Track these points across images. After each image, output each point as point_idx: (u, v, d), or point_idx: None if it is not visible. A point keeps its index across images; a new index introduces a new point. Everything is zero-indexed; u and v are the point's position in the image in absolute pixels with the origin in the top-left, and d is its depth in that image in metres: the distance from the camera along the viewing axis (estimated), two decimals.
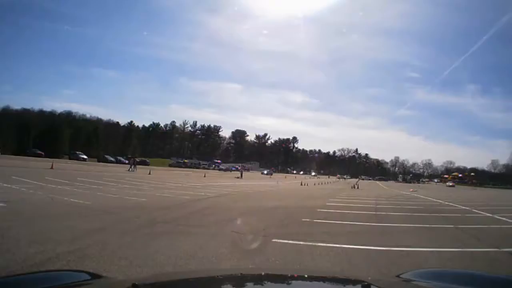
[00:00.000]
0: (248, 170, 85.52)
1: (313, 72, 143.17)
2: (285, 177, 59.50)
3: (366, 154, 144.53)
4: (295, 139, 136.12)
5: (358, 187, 33.27)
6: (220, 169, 69.61)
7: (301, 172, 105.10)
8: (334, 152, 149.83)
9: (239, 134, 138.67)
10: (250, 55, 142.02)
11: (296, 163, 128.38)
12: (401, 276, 1.82)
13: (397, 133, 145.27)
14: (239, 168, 57.61)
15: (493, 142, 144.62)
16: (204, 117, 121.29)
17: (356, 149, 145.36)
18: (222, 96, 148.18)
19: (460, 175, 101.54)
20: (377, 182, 74.71)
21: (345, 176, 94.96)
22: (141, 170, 39.42)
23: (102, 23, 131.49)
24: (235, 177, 42.98)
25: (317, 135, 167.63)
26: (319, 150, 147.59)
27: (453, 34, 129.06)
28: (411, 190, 36.73)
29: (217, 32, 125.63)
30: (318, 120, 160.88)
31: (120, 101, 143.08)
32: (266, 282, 1.69)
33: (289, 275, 1.95)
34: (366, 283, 1.60)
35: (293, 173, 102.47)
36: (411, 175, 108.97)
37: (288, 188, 28.37)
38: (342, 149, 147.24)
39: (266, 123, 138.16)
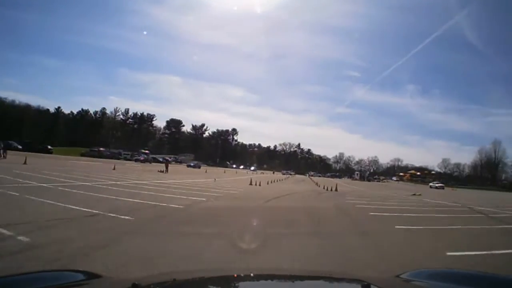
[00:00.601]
0: (180, 162, 75.32)
1: (254, 67, 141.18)
2: (224, 172, 50.82)
3: (309, 150, 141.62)
4: (234, 131, 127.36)
5: (336, 189, 25.73)
6: (142, 161, 57.88)
7: (241, 167, 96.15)
8: (275, 147, 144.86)
9: (174, 124, 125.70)
10: (191, 47, 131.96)
11: (235, 157, 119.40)
12: (401, 276, 1.80)
13: (336, 130, 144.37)
14: (170, 159, 47.15)
15: (432, 142, 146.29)
16: (143, 110, 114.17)
17: (299, 144, 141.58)
18: (161, 88, 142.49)
19: (418, 173, 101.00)
20: (331, 179, 67.34)
21: (291, 172, 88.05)
22: (17, 158, 28.44)
23: (44, 9, 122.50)
24: (159, 171, 33.88)
25: (257, 131, 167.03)
26: (259, 145, 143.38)
27: (395, 35, 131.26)
28: (416, 194, 28.72)
29: (159, 23, 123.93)
30: (258, 116, 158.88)
31: (61, 91, 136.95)
32: (266, 282, 1.71)
33: (289, 275, 1.95)
34: (366, 283, 1.57)
35: (232, 168, 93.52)
36: (368, 172, 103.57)
37: (233, 192, 17.17)
38: (284, 144, 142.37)
39: (205, 117, 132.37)
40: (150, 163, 56.20)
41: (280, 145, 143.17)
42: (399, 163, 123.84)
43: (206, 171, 46.22)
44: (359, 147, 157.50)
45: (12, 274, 1.92)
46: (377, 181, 77.61)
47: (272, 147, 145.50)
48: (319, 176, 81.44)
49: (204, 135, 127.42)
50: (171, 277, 1.78)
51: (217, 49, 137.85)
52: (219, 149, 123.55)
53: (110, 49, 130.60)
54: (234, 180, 31.70)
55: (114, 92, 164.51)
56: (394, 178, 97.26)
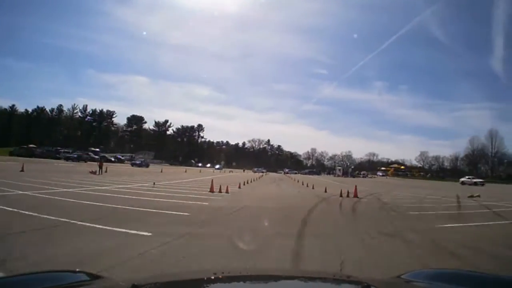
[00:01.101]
0: (130, 161, 66.15)
1: (221, 67, 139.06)
2: (185, 172, 42.73)
3: (279, 146, 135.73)
4: (200, 128, 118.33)
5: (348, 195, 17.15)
6: (76, 159, 48.70)
7: (208, 165, 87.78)
8: (244, 144, 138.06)
9: (135, 121, 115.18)
10: (158, 48, 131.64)
11: (202, 155, 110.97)
12: (401, 276, 1.78)
13: (304, 127, 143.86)
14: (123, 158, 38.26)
15: (401, 137, 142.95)
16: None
17: (268, 140, 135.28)
18: (129, 89, 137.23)
19: (402, 167, 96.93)
20: (310, 176, 61.83)
21: (263, 170, 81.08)
22: None
23: (8, 10, 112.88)
24: (90, 172, 26.30)
25: (225, 129, 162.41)
26: (227, 142, 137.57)
27: (362, 33, 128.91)
28: (473, 196, 20.80)
29: (126, 24, 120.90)
30: (225, 114, 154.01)
31: (29, 93, 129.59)
32: (265, 282, 1.71)
33: (289, 276, 1.95)
34: (366, 284, 1.58)
35: (198, 166, 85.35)
36: (352, 167, 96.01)
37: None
38: (253, 140, 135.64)
39: (173, 116, 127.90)
40: (85, 162, 47.52)
41: (249, 141, 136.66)
42: (374, 157, 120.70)
43: (161, 171, 38.29)
44: (327, 143, 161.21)
45: (11, 275, 2.04)
46: (363, 177, 70.56)
47: (240, 144, 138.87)
48: (295, 174, 74.57)
49: (168, 132, 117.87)
50: (170, 278, 1.84)
51: (184, 49, 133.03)
52: (184, 147, 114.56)
53: (77, 50, 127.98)
54: (189, 182, 23.99)
55: (82, 94, 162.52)
56: (380, 174, 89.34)
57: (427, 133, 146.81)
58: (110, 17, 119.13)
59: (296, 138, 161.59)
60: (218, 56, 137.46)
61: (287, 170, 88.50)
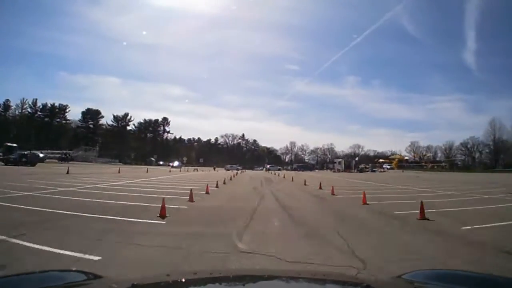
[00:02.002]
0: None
1: (192, 65, 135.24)
2: (118, 172, 30.24)
3: (255, 141, 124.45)
4: (165, 121, 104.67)
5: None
6: None
7: (176, 163, 74.15)
8: (217, 140, 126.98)
9: (90, 116, 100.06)
10: (129, 48, 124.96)
11: (168, 152, 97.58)
12: (402, 276, 1.76)
13: (277, 124, 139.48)
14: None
15: (374, 130, 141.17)
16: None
17: (243, 135, 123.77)
18: (101, 90, 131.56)
19: (406, 158, 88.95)
20: (302, 173, 48.85)
21: (238, 167, 69.70)
22: None
23: None
24: None
25: (198, 128, 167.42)
26: (199, 139, 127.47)
27: (334, 28, 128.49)
28: None
29: (96, 24, 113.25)
30: (198, 113, 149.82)
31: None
32: (266, 282, 1.68)
33: (290, 276, 1.94)
34: (365, 284, 1.58)
35: (159, 165, 72.41)
36: (356, 159, 79.84)
37: None
38: (226, 135, 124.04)
39: (146, 117, 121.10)
40: None
41: (221, 137, 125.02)
42: (359, 150, 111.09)
43: (67, 172, 25.67)
44: (301, 139, 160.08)
45: (11, 274, 1.94)
46: (371, 171, 58.45)
47: (213, 140, 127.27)
48: (278, 170, 62.25)
49: (129, 127, 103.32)
50: (170, 278, 1.84)
51: (155, 49, 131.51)
52: (146, 143, 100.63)
53: (48, 52, 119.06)
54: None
55: (54, 96, 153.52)
56: (388, 166, 75.65)
57: (402, 126, 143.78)
58: (80, 18, 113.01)
59: (270, 135, 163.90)
60: (189, 55, 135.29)
61: (268, 166, 74.38)
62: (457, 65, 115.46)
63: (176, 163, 65.43)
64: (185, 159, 70.08)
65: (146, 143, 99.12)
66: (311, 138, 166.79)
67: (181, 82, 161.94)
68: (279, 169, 63.95)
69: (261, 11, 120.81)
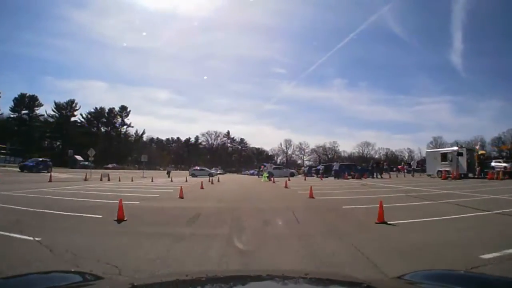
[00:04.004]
0: None
1: (179, 69, 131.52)
2: None
3: (242, 140, 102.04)
4: (123, 110, 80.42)
5: None
6: None
7: (149, 171, 48.92)
8: (197, 139, 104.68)
9: (25, 104, 75.53)
10: (115, 51, 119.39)
11: (127, 152, 74.07)
12: (402, 277, 1.74)
13: (265, 127, 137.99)
14: None
15: (362, 132, 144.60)
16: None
17: (228, 132, 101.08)
18: (88, 94, 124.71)
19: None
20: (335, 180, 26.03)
21: (217, 170, 49.58)
22: None
23: None
24: None
25: (186, 132, 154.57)
26: (178, 139, 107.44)
27: (320, 31, 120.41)
28: None
29: (82, 28, 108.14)
30: (186, 117, 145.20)
31: None
32: (265, 282, 1.68)
33: (289, 276, 1.89)
34: (365, 285, 1.57)
35: (108, 168, 49.64)
36: (413, 161, 50.30)
37: None
38: (207, 133, 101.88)
39: (133, 121, 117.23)
40: None
41: (202, 135, 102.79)
42: (369, 148, 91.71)
43: None
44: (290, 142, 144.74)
45: (11, 276, 1.97)
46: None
47: (193, 139, 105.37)
48: (292, 175, 35.48)
49: (75, 118, 78.80)
50: (170, 278, 1.84)
51: (141, 52, 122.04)
52: (100, 139, 76.38)
53: (34, 57, 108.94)
54: None
55: (42, 101, 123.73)
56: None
57: (389, 128, 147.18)
58: (66, 21, 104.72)
59: (259, 138, 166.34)
60: (176, 59, 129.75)
61: (266, 166, 40.07)
62: (444, 66, 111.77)
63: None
64: (144, 157, 44.53)
65: (98, 139, 74.53)
66: (301, 141, 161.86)
67: (168, 86, 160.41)
68: (291, 175, 36.13)
69: (247, 14, 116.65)
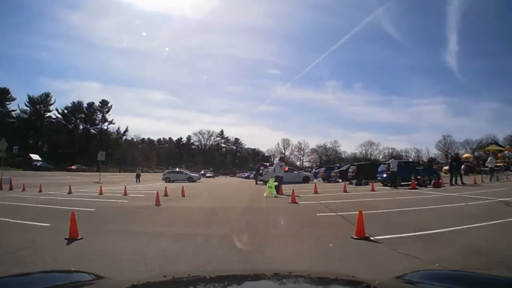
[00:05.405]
0: None
1: (173, 70, 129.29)
2: None
3: (237, 140, 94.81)
4: (104, 105, 72.51)
5: None
6: None
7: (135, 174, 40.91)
8: (189, 139, 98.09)
9: None
10: (109, 52, 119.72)
11: (108, 152, 66.46)
12: (401, 277, 1.73)
13: (259, 129, 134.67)
14: None
15: (354, 134, 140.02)
16: None
17: (222, 131, 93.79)
18: (82, 95, 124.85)
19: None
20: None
21: (208, 172, 48.11)
22: None
23: None
24: None
25: (180, 134, 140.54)
26: (170, 139, 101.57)
27: (315, 32, 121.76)
28: None
29: (77, 29, 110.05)
30: (180, 118, 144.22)
31: None
32: (265, 282, 1.67)
33: (289, 275, 1.91)
34: (365, 285, 1.55)
35: (71, 169, 41.85)
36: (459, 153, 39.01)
37: None
38: (200, 133, 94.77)
39: (127, 122, 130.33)
40: None
41: (194, 134, 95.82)
42: (373, 148, 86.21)
43: None
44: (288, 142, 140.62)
45: (11, 275, 1.93)
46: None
47: (185, 139, 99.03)
48: (296, 180, 25.49)
49: (49, 114, 70.76)
50: (170, 278, 1.81)
51: (135, 53, 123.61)
52: (79, 137, 68.50)
53: (29, 58, 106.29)
54: None
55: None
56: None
57: (383, 129, 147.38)
58: (60, 22, 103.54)
59: (253, 140, 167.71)
60: (171, 60, 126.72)
61: (268, 168, 27.36)
62: (439, 67, 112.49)
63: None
64: (101, 155, 36.95)
65: (74, 137, 66.67)
66: (300, 140, 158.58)
67: (163, 87, 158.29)
68: (305, 179, 26.77)
69: (241, 15, 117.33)
